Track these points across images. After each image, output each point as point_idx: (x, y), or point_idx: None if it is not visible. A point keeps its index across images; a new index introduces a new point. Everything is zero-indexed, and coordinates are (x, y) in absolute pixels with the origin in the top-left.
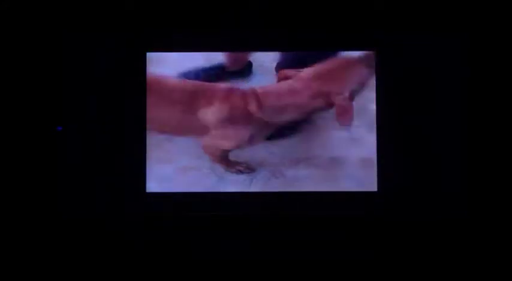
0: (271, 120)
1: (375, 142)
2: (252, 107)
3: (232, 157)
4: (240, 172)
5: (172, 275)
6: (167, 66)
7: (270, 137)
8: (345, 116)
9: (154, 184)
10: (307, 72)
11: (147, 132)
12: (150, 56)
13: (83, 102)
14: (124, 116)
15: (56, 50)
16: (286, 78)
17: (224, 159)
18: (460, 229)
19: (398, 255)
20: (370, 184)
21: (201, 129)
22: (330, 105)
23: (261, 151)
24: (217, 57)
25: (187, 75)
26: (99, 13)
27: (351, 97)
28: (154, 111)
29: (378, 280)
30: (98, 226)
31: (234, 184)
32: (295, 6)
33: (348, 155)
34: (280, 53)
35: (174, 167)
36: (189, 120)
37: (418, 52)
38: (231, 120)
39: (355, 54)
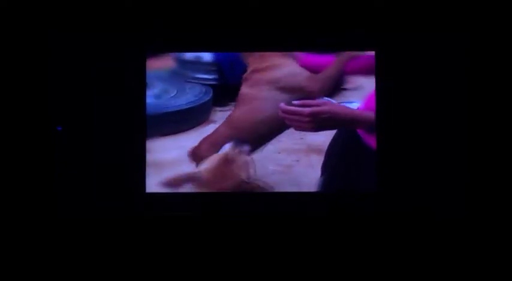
0: None
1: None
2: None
3: None
4: None
5: (172, 275)
6: None
7: None
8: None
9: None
10: None
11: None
12: None
13: (83, 102)
14: (124, 116)
15: (57, 50)
16: None
17: None
18: (459, 229)
19: (398, 255)
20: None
21: None
22: None
23: None
24: None
25: None
26: (99, 13)
27: None
28: None
29: (378, 280)
30: (97, 226)
31: None
32: (295, 6)
33: None
34: None
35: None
36: None
37: (418, 52)
38: None
39: None
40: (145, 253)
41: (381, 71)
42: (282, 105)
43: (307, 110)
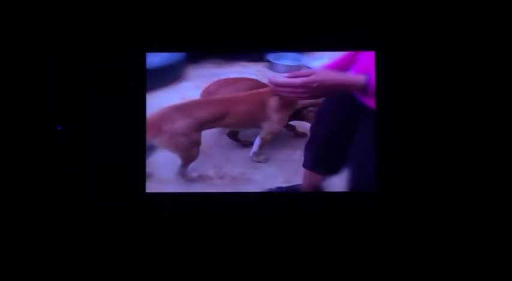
0: None
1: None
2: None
3: None
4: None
5: (172, 275)
6: None
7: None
8: None
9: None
10: None
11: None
12: None
13: (83, 102)
14: (124, 116)
15: (57, 50)
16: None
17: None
18: (459, 229)
19: (398, 255)
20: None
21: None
22: None
23: None
24: None
25: None
26: (99, 13)
27: None
28: None
29: (377, 280)
30: (97, 226)
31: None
32: (295, 6)
33: None
34: None
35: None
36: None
37: (418, 52)
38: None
39: None
40: (145, 254)
41: (381, 71)
42: (272, 78)
43: (298, 81)
